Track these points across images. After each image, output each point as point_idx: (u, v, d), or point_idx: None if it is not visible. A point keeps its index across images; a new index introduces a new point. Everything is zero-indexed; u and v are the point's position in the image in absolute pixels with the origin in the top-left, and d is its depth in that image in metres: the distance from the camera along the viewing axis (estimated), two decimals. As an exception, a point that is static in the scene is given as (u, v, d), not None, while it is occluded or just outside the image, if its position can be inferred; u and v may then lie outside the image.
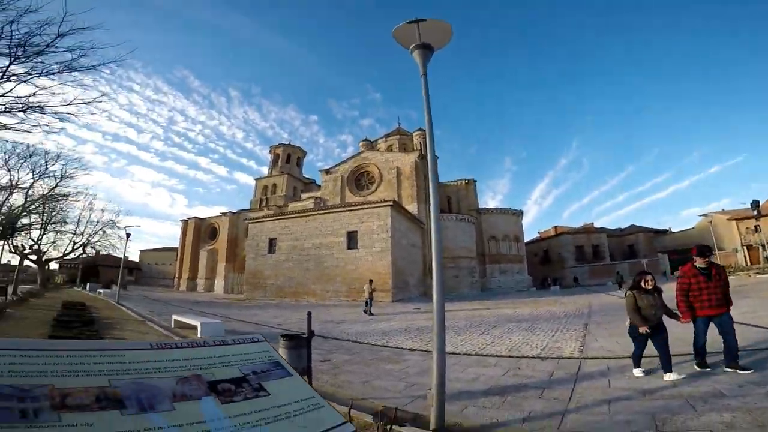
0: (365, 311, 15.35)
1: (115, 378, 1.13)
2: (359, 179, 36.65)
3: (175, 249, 52.14)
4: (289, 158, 51.24)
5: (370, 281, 17.30)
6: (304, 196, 41.26)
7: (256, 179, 50.72)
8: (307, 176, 53.24)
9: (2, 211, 12.07)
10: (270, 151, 53.19)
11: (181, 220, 50.22)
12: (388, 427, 2.86)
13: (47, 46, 6.83)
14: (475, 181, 41.06)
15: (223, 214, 46.70)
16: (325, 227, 26.27)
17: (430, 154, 3.85)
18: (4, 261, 19.55)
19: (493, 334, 8.50)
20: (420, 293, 29.08)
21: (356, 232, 25.03)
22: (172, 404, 1.14)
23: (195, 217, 48.98)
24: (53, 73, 7.20)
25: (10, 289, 17.70)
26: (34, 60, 6.91)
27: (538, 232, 59.78)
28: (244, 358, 1.54)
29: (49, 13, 6.51)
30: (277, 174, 48.89)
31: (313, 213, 27.67)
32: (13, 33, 6.45)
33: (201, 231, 48.19)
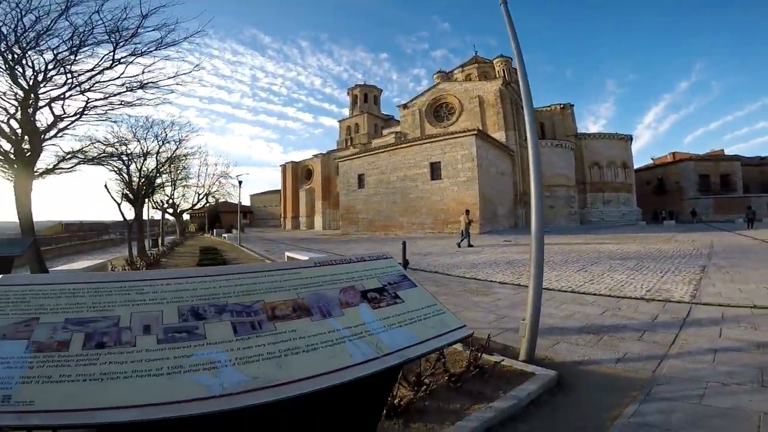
0: (459, 244, 14.59)
1: (301, 291, 1.47)
2: (438, 111, 35.87)
3: (278, 191, 57.96)
4: (366, 98, 52.41)
5: (467, 211, 16.41)
6: (385, 132, 42.25)
7: (339, 121, 53.40)
8: (385, 113, 54.04)
9: (143, 173, 14.51)
10: (348, 93, 54.66)
11: (280, 165, 55.07)
12: (479, 354, 2.87)
13: (137, 28, 7.56)
14: (572, 105, 36.61)
15: (315, 156, 49.81)
16: (407, 160, 26.49)
17: (520, 70, 3.63)
18: (151, 216, 23.64)
19: (592, 272, 8.01)
20: (510, 225, 28.43)
21: (439, 162, 24.83)
22: (341, 310, 1.47)
23: (291, 162, 53.21)
24: (150, 52, 8.03)
25: (159, 241, 22.06)
26: (133, 42, 7.73)
27: (652, 159, 51.79)
28: (379, 271, 1.84)
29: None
30: (358, 114, 50.58)
31: (395, 147, 27.98)
32: (104, 22, 7.25)
33: (298, 173, 52.36)
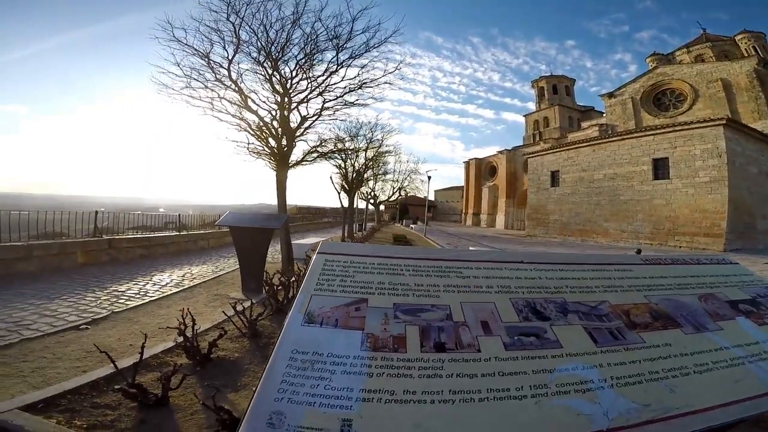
0: None
1: (649, 294, 1.09)
2: (659, 98, 29.52)
3: (460, 188, 58.84)
4: (555, 89, 48.37)
5: None
6: (584, 124, 37.16)
7: (524, 116, 50.47)
8: (581, 104, 48.48)
9: (355, 168, 16.78)
10: (532, 86, 51.22)
11: (463, 162, 55.66)
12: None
13: (350, 32, 8.43)
14: None
15: (500, 152, 48.16)
16: (619, 155, 22.15)
17: None
18: (356, 205, 27.68)
19: None
20: None
21: (666, 159, 19.75)
22: (715, 323, 1.01)
23: (474, 158, 53.02)
24: (362, 54, 8.92)
25: (363, 226, 25.49)
26: (348, 46, 8.70)
27: None
28: (734, 279, 1.30)
29: (333, 8, 8.00)
30: (546, 107, 46.96)
31: (600, 141, 23.85)
32: (326, 28, 8.33)
33: (481, 169, 51.79)
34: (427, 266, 1.05)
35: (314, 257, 1.05)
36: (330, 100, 9.29)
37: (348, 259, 1.04)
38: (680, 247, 18.00)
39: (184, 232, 12.97)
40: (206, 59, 8.06)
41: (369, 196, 28.18)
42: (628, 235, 20.99)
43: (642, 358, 0.86)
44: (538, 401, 0.70)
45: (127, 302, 5.91)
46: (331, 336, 0.79)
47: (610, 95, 32.58)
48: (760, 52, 30.21)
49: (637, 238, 20.38)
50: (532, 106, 51.62)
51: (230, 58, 8.12)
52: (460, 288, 0.98)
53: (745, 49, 32.72)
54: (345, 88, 9.42)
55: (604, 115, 34.41)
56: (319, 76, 8.92)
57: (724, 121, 17.98)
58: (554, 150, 27.79)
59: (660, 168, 20.07)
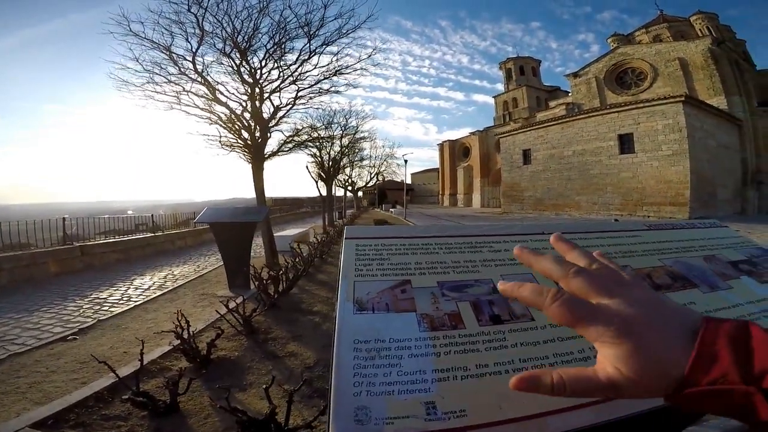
0: None
1: (663, 258, 1.12)
2: (621, 77, 30.92)
3: (436, 170, 59.33)
4: (522, 70, 49.44)
5: None
6: (552, 103, 38.83)
7: (494, 97, 51.26)
8: (548, 84, 49.83)
9: (330, 156, 16.58)
10: (500, 67, 51.99)
11: (437, 144, 55.93)
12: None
13: (322, 19, 8.24)
14: None
15: (472, 133, 48.82)
16: (586, 132, 22.96)
17: None
18: (334, 193, 27.43)
19: None
20: (735, 210, 22.01)
21: (631, 134, 20.77)
22: (725, 282, 1.05)
23: (448, 140, 53.42)
24: (335, 40, 8.76)
25: (343, 213, 25.31)
26: (321, 34, 8.50)
27: None
28: (728, 241, 1.35)
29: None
30: (514, 88, 47.90)
31: (568, 119, 24.61)
32: (297, 16, 8.09)
33: (455, 151, 52.29)
34: (458, 243, 1.04)
35: (343, 243, 1.03)
36: (304, 89, 9.08)
37: (377, 242, 1.02)
38: (649, 216, 18.90)
39: (160, 233, 12.53)
40: (168, 53, 7.67)
41: (347, 183, 28.00)
42: (599, 207, 21.87)
43: None
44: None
45: (111, 309, 5.70)
46: (386, 321, 0.78)
47: (575, 75, 33.62)
48: (713, 32, 31.56)
49: (608, 210, 21.27)
50: (501, 87, 52.30)
51: (194, 50, 7.76)
52: (497, 262, 0.98)
53: (700, 29, 34.06)
54: (319, 75, 9.22)
55: (570, 94, 35.37)
56: (291, 64, 8.67)
57: (683, 98, 19.00)
58: (525, 129, 28.39)
59: (625, 143, 20.98)
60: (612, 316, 0.34)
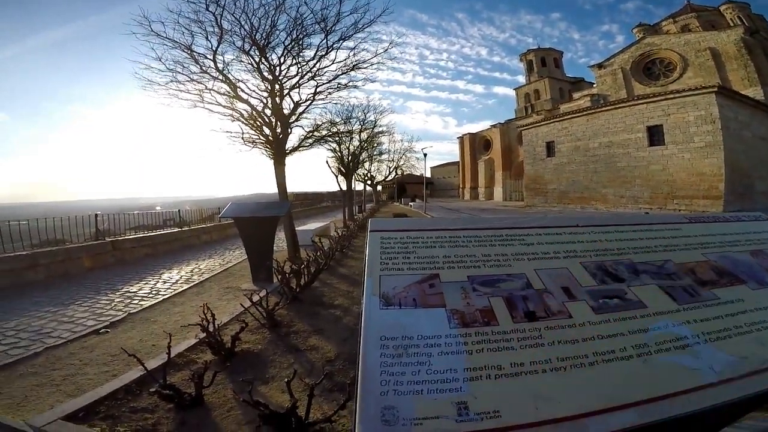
0: None
1: (707, 252, 1.08)
2: (649, 68, 29.70)
3: (456, 163, 58.55)
4: (544, 62, 48.02)
5: None
6: (576, 95, 37.41)
7: (515, 89, 50.13)
8: (571, 76, 48.32)
9: (350, 151, 16.61)
10: (520, 59, 50.68)
11: (457, 138, 55.09)
12: None
13: (338, 14, 8.17)
14: None
15: (493, 126, 47.83)
16: (613, 124, 22.14)
17: None
18: (354, 187, 27.59)
19: None
20: None
21: (660, 126, 19.83)
22: None
23: (468, 133, 52.56)
24: (351, 35, 8.71)
25: (363, 207, 25.46)
26: (337, 29, 8.46)
27: None
28: None
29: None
30: (536, 80, 46.68)
31: (594, 111, 23.76)
32: (313, 12, 8.06)
33: (475, 144, 51.44)
34: (488, 236, 1.00)
35: (368, 236, 1.00)
36: (322, 84, 9.09)
37: (403, 234, 0.99)
38: (680, 209, 18.11)
39: (186, 228, 12.90)
40: (189, 51, 7.81)
41: (366, 178, 28.09)
42: (627, 200, 21.11)
43: (723, 314, 0.85)
44: (645, 359, 0.68)
45: (141, 302, 5.90)
46: (414, 317, 0.75)
47: (600, 66, 32.61)
48: (745, 22, 30.34)
49: (636, 203, 20.51)
50: (521, 79, 51.53)
51: (214, 48, 7.87)
52: (529, 256, 0.94)
53: (731, 18, 32.94)
54: (336, 70, 9.21)
55: (595, 85, 34.39)
56: (309, 60, 8.68)
57: (715, 89, 18.08)
58: (548, 121, 27.58)
59: (655, 135, 20.13)
60: None
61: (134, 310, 5.42)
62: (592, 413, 0.59)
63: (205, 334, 3.45)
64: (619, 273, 0.91)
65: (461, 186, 54.33)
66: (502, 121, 47.02)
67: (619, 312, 0.78)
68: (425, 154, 25.80)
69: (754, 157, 19.80)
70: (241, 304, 4.50)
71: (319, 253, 7.00)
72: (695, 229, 1.30)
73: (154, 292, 6.60)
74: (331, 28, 8.40)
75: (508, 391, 0.61)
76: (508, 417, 0.58)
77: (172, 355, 3.09)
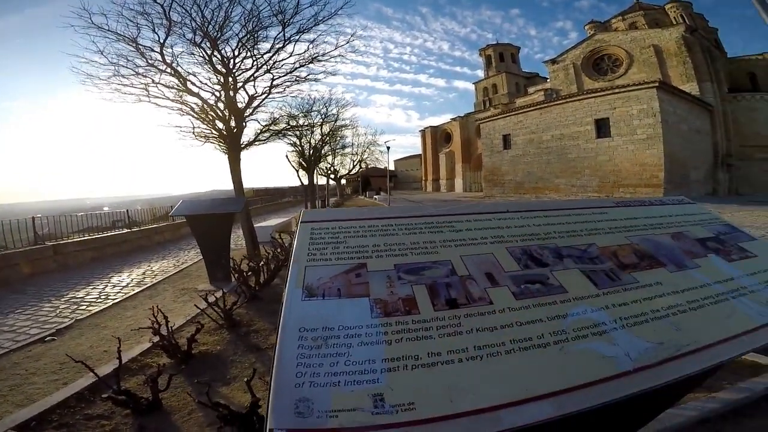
0: None
1: (629, 236, 1.13)
2: (598, 64, 31.29)
3: (419, 156, 59.17)
4: (502, 57, 49.12)
5: None
6: (531, 89, 38.90)
7: (474, 83, 50.92)
8: (527, 71, 49.95)
9: (311, 145, 16.33)
10: (480, 54, 51.40)
11: (419, 131, 55.72)
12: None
13: (297, 6, 8.00)
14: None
15: (453, 119, 48.78)
16: (564, 117, 23.33)
17: None
18: (316, 181, 27.13)
19: None
20: (707, 191, 23.01)
21: (607, 119, 21.22)
22: (692, 261, 1.07)
23: (430, 126, 53.26)
24: (311, 28, 8.50)
25: (326, 202, 25.14)
26: (296, 21, 8.24)
27: None
28: (696, 218, 1.38)
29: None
30: (494, 74, 47.73)
31: (547, 105, 24.88)
32: (271, 4, 7.81)
33: (437, 137, 52.24)
34: (419, 223, 1.02)
35: (298, 227, 0.99)
36: (279, 77, 8.83)
37: (335, 225, 0.98)
38: (624, 197, 19.42)
39: (136, 229, 12.18)
40: (134, 45, 7.33)
41: (329, 172, 27.75)
42: (577, 190, 22.31)
43: (641, 298, 0.89)
44: (562, 347, 0.70)
45: (89, 308, 5.53)
46: (337, 307, 0.74)
47: (554, 61, 33.85)
48: (687, 20, 32.04)
49: (586, 192, 21.73)
50: (481, 73, 52.25)
51: (162, 41, 7.44)
52: (457, 242, 0.96)
53: (674, 17, 34.65)
54: (295, 63, 8.97)
55: (549, 80, 35.54)
56: (265, 53, 8.39)
57: (656, 84, 19.53)
58: (504, 115, 28.52)
59: (602, 127, 21.42)
60: None
61: (82, 317, 5.07)
62: (507, 404, 0.61)
63: (158, 338, 3.29)
64: (543, 258, 0.95)
65: (424, 178, 55.05)
66: (462, 115, 48.01)
67: (540, 297, 0.81)
68: (388, 148, 25.97)
69: (689, 149, 21.65)
70: (197, 306, 4.33)
71: (279, 250, 6.86)
72: (621, 213, 1.36)
73: (102, 297, 6.20)
74: (289, 20, 8.15)
75: (423, 383, 0.62)
76: (423, 409, 0.58)
77: (125, 360, 2.94)
